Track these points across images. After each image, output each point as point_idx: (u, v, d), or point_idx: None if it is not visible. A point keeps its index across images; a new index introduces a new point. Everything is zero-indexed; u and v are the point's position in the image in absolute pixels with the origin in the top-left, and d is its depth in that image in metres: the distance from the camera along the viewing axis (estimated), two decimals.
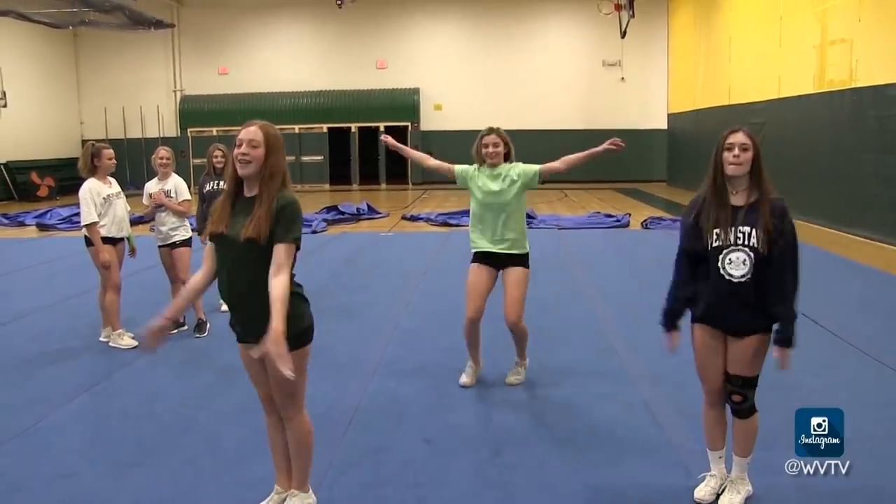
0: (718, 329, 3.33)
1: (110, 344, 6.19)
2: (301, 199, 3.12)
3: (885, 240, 11.03)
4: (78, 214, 6.52)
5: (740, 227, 3.21)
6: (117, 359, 5.88)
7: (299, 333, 3.10)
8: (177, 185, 6.56)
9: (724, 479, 3.48)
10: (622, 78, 23.98)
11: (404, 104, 24.11)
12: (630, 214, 14.64)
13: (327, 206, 16.07)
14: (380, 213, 15.92)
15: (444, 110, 24.19)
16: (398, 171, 24.34)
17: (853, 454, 3.42)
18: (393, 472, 3.83)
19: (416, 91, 24.19)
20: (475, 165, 4.98)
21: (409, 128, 24.10)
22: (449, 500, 3.56)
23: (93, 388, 5.20)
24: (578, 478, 3.74)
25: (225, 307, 6.77)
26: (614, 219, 14.26)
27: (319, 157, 24.12)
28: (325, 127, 24.09)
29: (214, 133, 22.45)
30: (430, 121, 24.23)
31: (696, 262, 3.35)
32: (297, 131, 23.45)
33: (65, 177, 20.36)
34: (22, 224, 15.23)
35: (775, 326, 3.24)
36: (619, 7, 20.90)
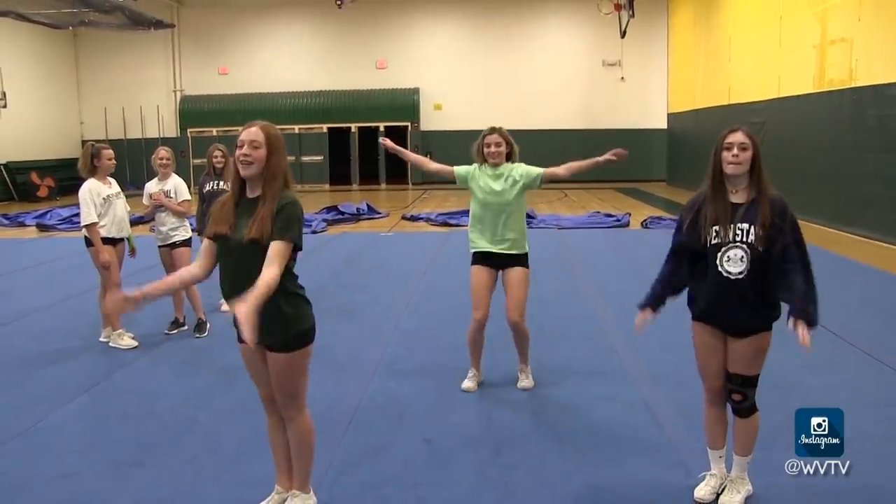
0: (718, 328, 3.34)
1: (110, 344, 6.19)
2: (301, 199, 3.12)
3: (884, 239, 11.03)
4: (78, 215, 6.52)
5: (739, 225, 3.21)
6: (117, 359, 5.89)
7: (301, 334, 3.10)
8: (176, 186, 6.56)
9: (723, 478, 3.48)
10: (622, 78, 23.98)
11: (404, 104, 24.12)
12: (630, 214, 14.65)
13: (327, 207, 16.07)
14: (380, 213, 15.92)
15: (444, 110, 24.20)
16: (398, 171, 24.33)
17: (853, 454, 3.41)
18: (393, 472, 3.83)
19: (415, 91, 24.19)
20: (475, 165, 4.97)
21: (409, 128, 24.11)
22: (449, 500, 3.56)
23: (93, 388, 5.20)
24: (578, 477, 3.74)
25: (225, 307, 6.79)
26: (614, 218, 14.27)
27: (319, 158, 24.13)
28: (324, 127, 24.10)
29: (214, 133, 22.45)
30: (430, 121, 24.24)
31: (689, 259, 3.36)
32: (296, 131, 23.45)
33: (65, 177, 20.36)
34: (22, 224, 15.23)
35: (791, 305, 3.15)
36: (618, 7, 20.91)
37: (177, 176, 6.64)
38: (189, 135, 23.88)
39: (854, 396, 4.71)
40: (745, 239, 3.20)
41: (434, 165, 5.22)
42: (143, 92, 24.45)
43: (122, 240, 6.29)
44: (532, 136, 19.86)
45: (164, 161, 6.57)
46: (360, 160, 24.57)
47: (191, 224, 6.81)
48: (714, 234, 3.25)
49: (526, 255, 4.93)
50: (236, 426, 4.44)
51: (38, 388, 5.20)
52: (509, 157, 4.90)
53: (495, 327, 5.15)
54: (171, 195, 6.51)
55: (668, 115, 23.47)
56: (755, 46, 16.01)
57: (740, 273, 3.21)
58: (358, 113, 24.10)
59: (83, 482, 3.76)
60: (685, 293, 3.46)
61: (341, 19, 23.38)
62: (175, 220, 6.57)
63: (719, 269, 3.24)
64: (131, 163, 22.57)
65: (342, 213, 15.49)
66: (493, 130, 4.88)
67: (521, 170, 4.88)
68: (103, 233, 6.07)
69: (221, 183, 6.97)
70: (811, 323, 3.10)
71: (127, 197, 6.48)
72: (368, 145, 24.25)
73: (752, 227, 3.19)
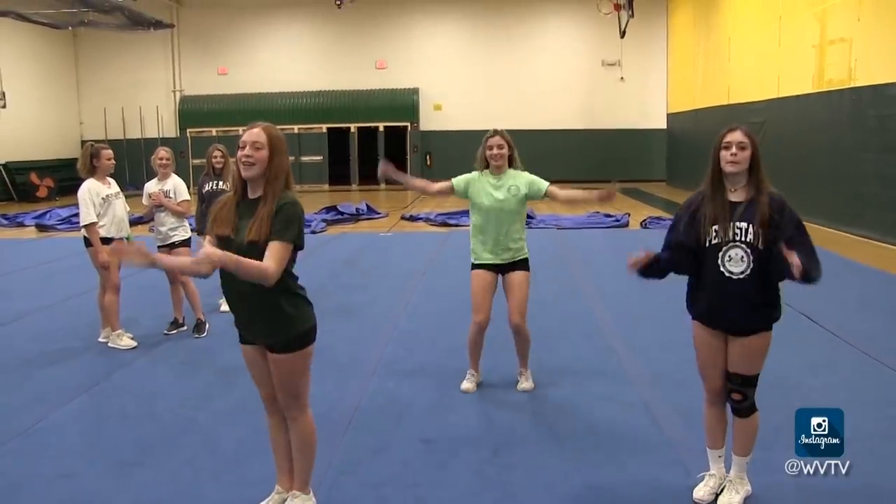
0: (719, 329, 3.34)
1: (109, 344, 6.19)
2: (300, 199, 3.12)
3: (883, 239, 11.04)
4: (77, 215, 6.52)
5: (738, 224, 3.22)
6: (117, 359, 5.89)
7: (302, 334, 3.10)
8: (176, 186, 6.56)
9: (723, 478, 3.48)
10: (621, 78, 23.96)
11: (404, 104, 24.10)
12: (629, 214, 14.66)
13: (326, 207, 16.06)
14: (379, 214, 15.92)
15: (444, 110, 24.19)
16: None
17: (853, 454, 3.42)
18: (392, 473, 3.83)
19: (415, 91, 24.18)
20: (476, 172, 4.94)
21: (409, 128, 24.11)
22: (448, 500, 3.56)
23: (92, 389, 5.20)
24: (577, 477, 3.74)
25: (224, 307, 6.80)
26: (613, 218, 14.28)
27: (319, 158, 24.11)
28: (324, 127, 24.07)
29: (214, 133, 22.44)
30: (430, 121, 24.23)
31: (687, 256, 3.35)
32: (296, 131, 23.44)
33: (64, 177, 20.35)
34: (21, 225, 15.23)
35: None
36: (618, 7, 20.91)
37: (176, 176, 6.64)
38: (188, 135, 23.86)
39: (853, 396, 4.71)
40: (744, 238, 3.20)
41: (435, 187, 5.10)
42: (143, 92, 24.44)
43: (121, 240, 6.27)
44: (532, 136, 19.90)
45: (164, 161, 6.57)
46: (359, 160, 24.53)
47: (190, 224, 6.81)
48: (714, 233, 3.25)
49: (526, 258, 4.93)
50: (235, 426, 4.44)
51: (37, 389, 5.20)
52: (510, 161, 4.89)
53: (495, 329, 5.14)
54: (171, 195, 6.51)
55: (668, 115, 23.47)
56: (754, 46, 16.01)
57: (742, 273, 3.21)
58: (357, 113, 24.08)
59: (83, 482, 3.76)
60: (685, 293, 3.47)
61: (341, 19, 23.38)
62: (174, 221, 6.58)
63: (721, 269, 3.24)
64: (131, 163, 22.57)
65: (341, 214, 15.49)
66: (494, 133, 4.88)
67: (526, 179, 4.85)
68: (102, 233, 6.07)
69: (221, 183, 6.98)
70: (809, 274, 3.06)
71: (126, 197, 6.48)
72: (368, 145, 24.25)
73: (751, 226, 3.19)
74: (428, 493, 3.62)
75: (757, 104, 15.55)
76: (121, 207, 6.25)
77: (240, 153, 3.02)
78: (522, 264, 4.89)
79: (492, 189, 4.83)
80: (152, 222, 6.74)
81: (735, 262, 3.22)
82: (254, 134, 3.03)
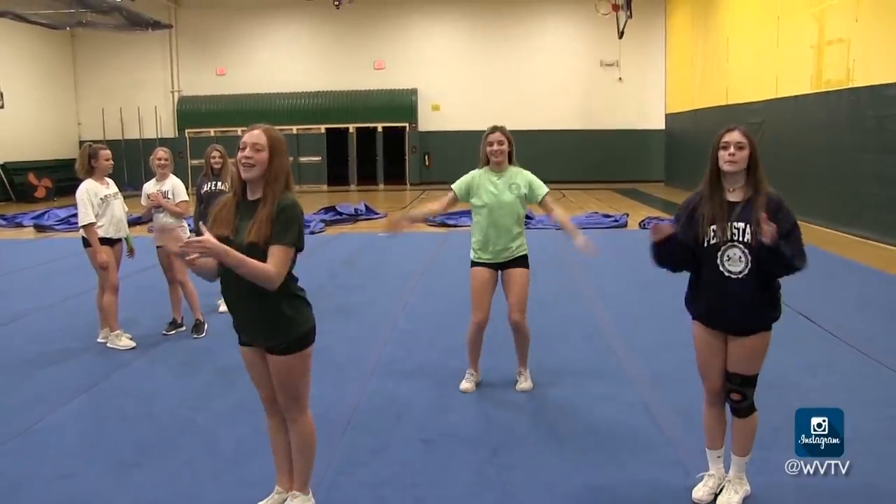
0: (719, 329, 3.34)
1: (108, 345, 6.18)
2: (299, 200, 3.12)
3: (882, 239, 11.05)
4: (75, 215, 6.51)
5: (735, 223, 3.22)
6: (115, 360, 5.88)
7: (301, 336, 3.10)
8: (174, 186, 6.55)
9: (722, 479, 3.48)
10: (620, 78, 23.98)
11: (402, 105, 24.11)
12: (628, 215, 14.66)
13: (325, 207, 16.05)
14: (378, 214, 15.91)
15: (442, 111, 24.19)
16: (396, 171, 24.35)
17: (853, 454, 3.42)
18: (391, 473, 3.83)
19: (413, 91, 24.18)
20: (476, 171, 4.94)
21: (407, 128, 24.12)
22: (448, 501, 3.56)
23: (91, 389, 5.20)
24: (577, 477, 3.74)
25: (223, 308, 6.79)
26: (612, 219, 14.28)
27: (317, 158, 24.12)
28: (322, 128, 24.08)
29: (212, 134, 22.42)
30: (428, 121, 24.23)
31: (685, 254, 3.35)
32: (294, 132, 23.44)
33: (62, 178, 20.33)
34: (19, 225, 15.21)
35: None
36: (616, 7, 20.94)
37: (174, 177, 6.64)
38: (187, 135, 23.85)
39: (853, 396, 4.71)
40: (741, 238, 3.21)
41: (439, 204, 5.00)
42: (141, 92, 24.43)
43: (119, 240, 6.29)
44: (530, 136, 19.92)
45: (163, 162, 6.56)
46: (357, 161, 24.56)
47: (188, 225, 6.80)
48: (712, 233, 3.26)
49: (526, 255, 4.94)
50: (234, 427, 4.44)
51: (36, 389, 5.20)
52: (509, 157, 4.90)
53: (494, 328, 5.15)
54: (169, 196, 6.51)
55: (666, 115, 23.50)
56: (753, 47, 16.03)
57: (741, 272, 3.22)
58: (356, 114, 24.08)
59: (82, 482, 3.76)
60: (685, 294, 3.47)
61: (339, 20, 23.38)
62: (172, 221, 6.57)
63: (720, 269, 3.25)
64: (129, 163, 22.53)
65: (340, 214, 15.49)
66: (494, 129, 4.88)
67: (526, 179, 4.88)
68: (101, 233, 6.06)
69: (219, 184, 6.98)
70: (790, 262, 3.09)
71: (125, 198, 6.47)
72: (366, 146, 24.27)
73: (748, 227, 3.20)
74: (427, 493, 3.61)
75: (755, 104, 15.56)
76: (119, 208, 6.25)
77: (240, 154, 3.01)
78: (522, 261, 4.90)
79: (492, 186, 4.84)
80: (151, 223, 6.74)
81: (734, 262, 3.23)
82: (254, 135, 3.02)
